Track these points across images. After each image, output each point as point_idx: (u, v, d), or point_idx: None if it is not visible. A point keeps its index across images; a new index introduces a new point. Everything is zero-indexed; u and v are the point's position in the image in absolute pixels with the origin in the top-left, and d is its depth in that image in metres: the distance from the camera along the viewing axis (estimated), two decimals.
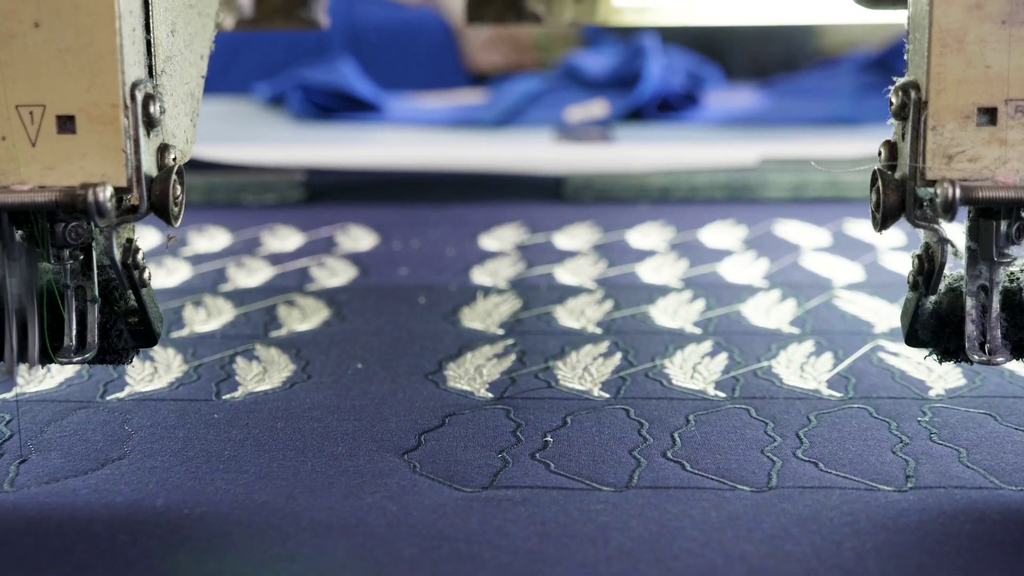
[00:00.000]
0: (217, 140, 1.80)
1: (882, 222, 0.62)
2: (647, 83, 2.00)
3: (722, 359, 0.83)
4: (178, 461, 0.67)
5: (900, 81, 0.61)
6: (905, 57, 0.63)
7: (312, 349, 0.86)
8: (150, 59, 0.64)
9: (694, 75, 2.25)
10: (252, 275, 1.07)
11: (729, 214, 1.28)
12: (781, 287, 1.01)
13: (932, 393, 0.76)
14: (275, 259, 1.12)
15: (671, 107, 2.05)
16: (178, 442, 0.70)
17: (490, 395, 0.77)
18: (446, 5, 3.21)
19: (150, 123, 0.61)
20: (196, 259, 1.12)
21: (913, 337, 0.66)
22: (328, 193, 1.39)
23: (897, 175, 0.62)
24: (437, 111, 2.21)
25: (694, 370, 0.81)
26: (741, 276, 1.04)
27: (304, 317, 0.94)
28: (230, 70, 2.84)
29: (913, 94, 0.60)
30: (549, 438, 0.70)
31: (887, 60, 2.31)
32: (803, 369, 0.81)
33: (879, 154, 0.64)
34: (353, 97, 2.15)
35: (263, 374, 0.81)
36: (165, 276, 1.06)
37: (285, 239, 1.20)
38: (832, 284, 1.02)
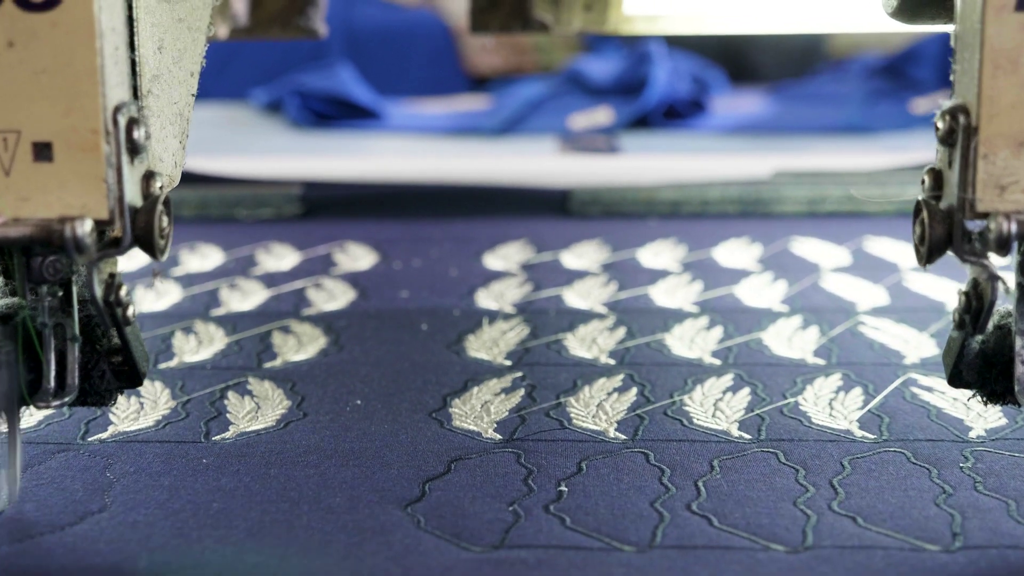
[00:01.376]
0: (212, 149, 1.76)
1: (927, 256, 0.57)
2: (653, 90, 1.95)
3: (745, 395, 0.78)
4: (163, 515, 0.62)
5: (947, 104, 0.56)
6: (952, 78, 0.58)
7: (308, 382, 0.81)
8: (135, 79, 0.59)
9: (699, 80, 2.20)
10: (246, 298, 1.01)
11: (743, 230, 1.23)
12: (802, 312, 0.96)
13: (972, 434, 0.71)
14: (270, 280, 1.07)
15: (677, 114, 2.00)
16: (163, 492, 0.64)
17: (498, 436, 0.72)
18: (445, 6, 3.17)
19: (134, 149, 0.56)
20: (187, 280, 1.07)
21: (957, 378, 0.61)
22: (325, 207, 1.34)
23: (943, 206, 0.57)
24: (438, 118, 2.16)
25: (715, 407, 0.76)
26: (759, 299, 0.99)
27: (300, 346, 0.89)
28: (226, 75, 2.79)
29: (962, 119, 0.55)
30: (564, 487, 0.65)
31: (897, 65, 2.27)
32: (832, 406, 0.76)
33: (922, 183, 0.59)
34: (352, 104, 2.10)
35: (256, 411, 0.76)
36: (154, 300, 1.01)
37: (281, 258, 1.15)
38: (856, 309, 0.97)
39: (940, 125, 0.56)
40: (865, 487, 0.64)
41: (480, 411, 0.76)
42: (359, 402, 0.77)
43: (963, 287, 0.59)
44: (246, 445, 0.71)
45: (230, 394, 0.79)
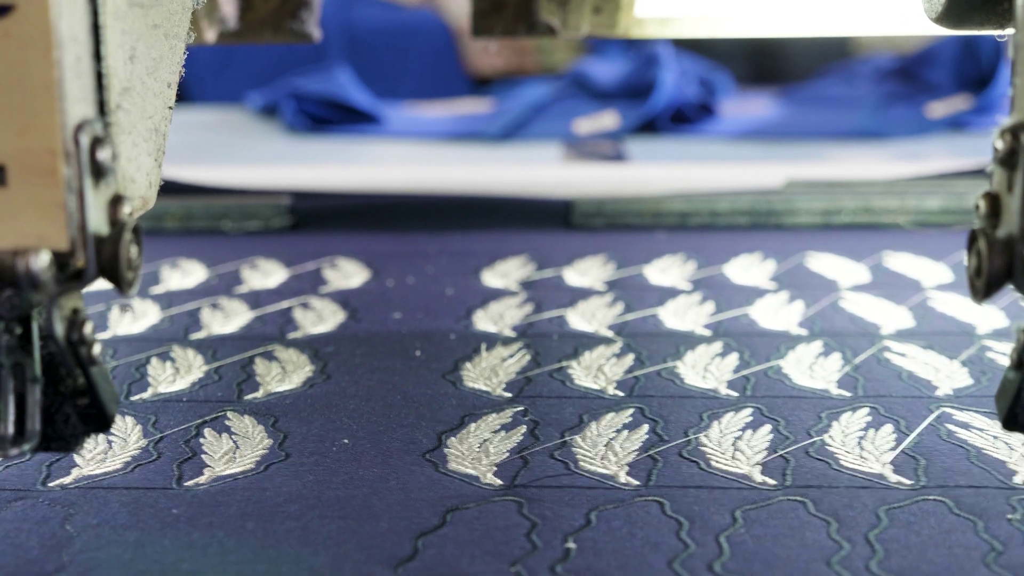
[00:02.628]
0: (201, 155, 1.69)
1: (985, 291, 0.51)
2: (661, 93, 1.88)
3: (766, 433, 0.72)
4: None
5: (1006, 122, 0.50)
6: (1011, 93, 0.51)
7: (292, 417, 0.75)
8: (102, 93, 0.52)
9: (707, 83, 2.14)
10: (228, 320, 0.95)
11: (755, 244, 1.16)
12: (822, 336, 0.89)
13: (1018, 479, 0.65)
14: (255, 299, 1.01)
15: (685, 118, 1.93)
16: (128, 549, 0.58)
17: (499, 481, 0.66)
18: (446, 7, 3.11)
19: (99, 171, 0.49)
20: (167, 299, 1.01)
21: (1013, 421, 0.55)
22: (315, 219, 1.28)
23: (1001, 235, 0.51)
24: (438, 121, 2.10)
25: (735, 447, 0.70)
26: (775, 322, 0.93)
27: (284, 375, 0.83)
28: (222, 78, 2.74)
29: None
30: (572, 544, 0.58)
31: (911, 68, 2.20)
32: (862, 446, 0.69)
33: (976, 208, 0.52)
34: (350, 107, 2.04)
35: (234, 452, 0.70)
36: (131, 322, 0.95)
37: (267, 275, 1.08)
38: (879, 332, 0.90)
39: (999, 145, 0.50)
40: (906, 544, 0.58)
41: (478, 451, 0.70)
42: (346, 441, 0.71)
43: (1022, 324, 0.52)
44: (221, 492, 0.64)
45: (207, 431, 0.73)
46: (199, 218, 1.26)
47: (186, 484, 0.66)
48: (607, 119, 1.92)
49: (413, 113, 2.18)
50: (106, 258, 0.50)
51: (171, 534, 0.60)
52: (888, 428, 0.72)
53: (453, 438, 0.71)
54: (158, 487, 0.65)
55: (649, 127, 1.92)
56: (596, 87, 2.06)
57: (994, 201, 0.52)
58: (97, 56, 0.52)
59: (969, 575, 0.55)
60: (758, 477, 0.66)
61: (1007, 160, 0.50)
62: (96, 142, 0.49)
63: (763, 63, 2.72)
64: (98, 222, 0.50)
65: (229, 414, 0.75)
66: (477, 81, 2.90)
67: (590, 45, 2.88)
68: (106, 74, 0.52)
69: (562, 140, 1.86)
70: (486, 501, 0.63)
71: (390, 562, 0.57)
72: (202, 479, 0.66)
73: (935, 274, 1.06)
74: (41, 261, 0.48)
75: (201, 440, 0.72)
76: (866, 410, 0.75)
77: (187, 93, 2.98)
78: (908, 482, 0.65)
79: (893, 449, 0.69)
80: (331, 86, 2.07)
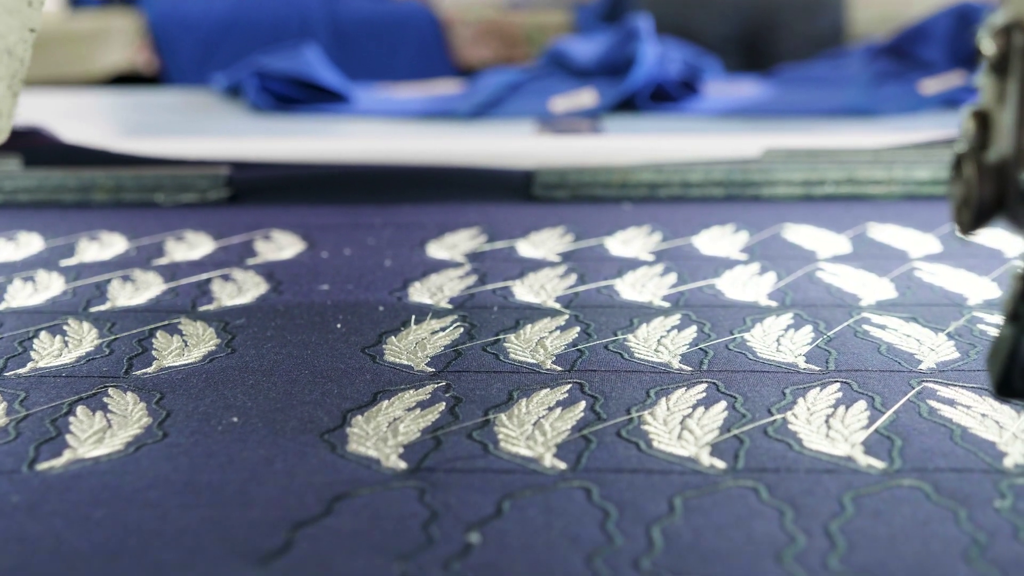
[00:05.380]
0: (146, 133, 1.60)
1: (973, 222, 0.42)
2: (640, 68, 1.79)
3: (720, 410, 0.62)
4: None
5: (996, 20, 0.40)
6: None
7: (180, 394, 0.65)
8: None
9: (691, 65, 2.04)
10: (138, 292, 0.86)
11: (728, 216, 1.07)
12: (793, 308, 0.80)
13: (1008, 462, 0.56)
14: (173, 272, 0.91)
15: (667, 97, 1.84)
16: None
17: (403, 465, 0.56)
18: None
19: None
20: (76, 271, 0.92)
21: (1007, 386, 0.46)
22: (256, 191, 1.18)
23: (992, 157, 0.41)
24: (408, 101, 2.00)
25: (683, 427, 0.60)
26: (743, 293, 0.84)
27: (185, 348, 0.73)
28: (207, 66, 2.65)
29: (1021, 38, 0.39)
30: (474, 537, 0.49)
31: (902, 46, 2.11)
32: (830, 425, 0.60)
33: (962, 131, 0.43)
34: (316, 86, 1.94)
35: (104, 432, 0.60)
36: (31, 294, 0.85)
37: (193, 247, 0.99)
38: (858, 304, 0.81)
39: (989, 48, 0.40)
40: (873, 535, 0.49)
41: (386, 431, 0.60)
42: (235, 419, 0.62)
43: (1019, 266, 0.43)
44: (76, 477, 0.55)
45: (79, 409, 0.63)
46: (130, 190, 1.17)
47: (38, 468, 0.56)
48: (585, 97, 1.83)
49: (384, 94, 2.09)
50: None
51: (3, 524, 0.50)
52: (861, 405, 0.63)
53: (359, 416, 0.62)
54: (4, 471, 0.56)
55: (629, 105, 1.82)
56: (574, 64, 1.97)
57: (983, 120, 0.42)
58: None
59: (947, 572, 0.46)
60: (705, 460, 0.56)
61: (998, 66, 0.41)
62: None
63: (752, 52, 2.64)
64: None
65: (110, 391, 0.66)
66: (466, 72, 2.82)
67: (579, 29, 2.79)
68: None
69: (536, 118, 1.77)
70: (383, 486, 0.54)
71: (253, 557, 0.47)
72: (58, 462, 0.57)
73: (925, 244, 0.96)
74: None
75: (71, 419, 0.62)
76: (836, 386, 0.65)
77: (170, 81, 2.89)
78: (880, 465, 0.55)
79: (865, 428, 0.60)
80: (297, 64, 1.97)
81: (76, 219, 1.09)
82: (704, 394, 0.64)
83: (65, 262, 0.95)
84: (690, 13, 2.61)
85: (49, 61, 3.13)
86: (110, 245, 1.00)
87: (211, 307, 0.82)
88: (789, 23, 2.65)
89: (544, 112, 1.80)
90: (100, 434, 0.60)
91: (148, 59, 2.95)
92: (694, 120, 1.74)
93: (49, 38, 3.14)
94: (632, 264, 0.92)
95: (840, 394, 0.64)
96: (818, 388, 0.65)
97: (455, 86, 2.14)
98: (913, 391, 0.64)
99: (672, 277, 0.88)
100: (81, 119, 1.80)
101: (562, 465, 0.56)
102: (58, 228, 1.05)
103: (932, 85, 1.83)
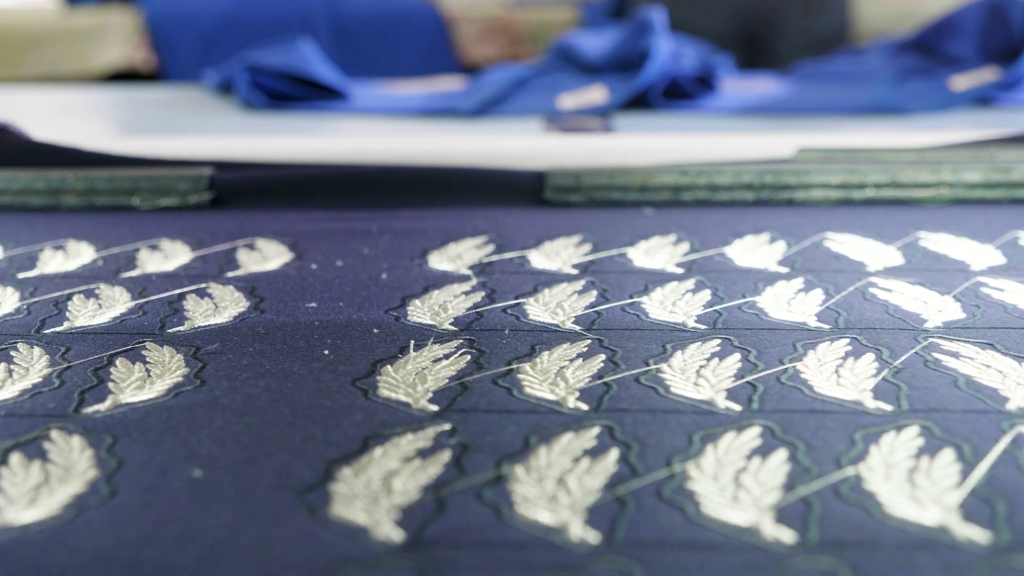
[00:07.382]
0: (119, 131, 1.50)
1: None
2: (654, 62, 1.68)
3: (781, 461, 0.52)
4: None
5: None
6: None
7: (136, 439, 0.55)
8: None
9: (706, 62, 1.94)
10: (102, 310, 0.76)
11: (762, 223, 0.96)
12: (849, 331, 0.69)
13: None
14: (143, 285, 0.81)
15: (682, 94, 1.73)
16: None
17: (396, 537, 0.46)
18: None
19: None
20: (35, 284, 0.81)
21: None
22: (241, 195, 1.08)
23: None
24: (409, 98, 1.90)
25: (737, 485, 0.50)
26: (789, 313, 0.73)
27: (147, 380, 0.63)
28: (207, 64, 2.56)
29: None
30: None
31: (928, 41, 2.00)
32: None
33: None
34: (312, 82, 1.84)
35: (39, 488, 0.50)
36: None
37: (168, 257, 0.89)
38: (923, 328, 0.70)
39: None
40: None
41: (379, 489, 0.50)
42: (197, 473, 0.51)
43: None
44: (1, 548, 0.45)
45: (13, 459, 0.53)
46: (103, 193, 1.06)
47: None
48: (595, 93, 1.72)
49: (383, 91, 1.99)
50: None
51: None
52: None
53: (348, 469, 0.52)
54: None
55: (642, 102, 1.72)
56: (583, 59, 1.86)
57: None
58: None
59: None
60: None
61: None
62: None
63: (752, 51, 2.56)
64: None
65: (53, 433, 0.56)
66: (470, 70, 2.74)
67: (585, 24, 2.70)
68: None
69: (544, 116, 1.67)
70: (371, 567, 0.43)
71: None
72: None
73: (988, 257, 0.86)
74: None
75: (5, 468, 0.52)
76: (916, 430, 0.55)
77: (169, 79, 2.80)
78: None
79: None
80: (291, 59, 1.87)
81: (42, 226, 0.99)
82: (760, 440, 0.54)
83: (23, 275, 0.84)
84: (688, 11, 2.52)
85: (45, 59, 3.03)
86: (76, 255, 0.90)
87: (182, 328, 0.72)
88: (790, 21, 2.57)
89: (552, 109, 1.70)
90: (34, 492, 0.50)
91: (147, 57, 2.85)
92: (712, 118, 1.64)
93: (44, 35, 3.04)
94: (659, 278, 0.81)
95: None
96: (894, 432, 0.55)
97: (458, 82, 2.04)
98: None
99: (706, 294, 0.77)
100: (58, 116, 1.70)
101: (591, 540, 0.46)
102: (20, 236, 0.95)
103: (963, 81, 1.72)
